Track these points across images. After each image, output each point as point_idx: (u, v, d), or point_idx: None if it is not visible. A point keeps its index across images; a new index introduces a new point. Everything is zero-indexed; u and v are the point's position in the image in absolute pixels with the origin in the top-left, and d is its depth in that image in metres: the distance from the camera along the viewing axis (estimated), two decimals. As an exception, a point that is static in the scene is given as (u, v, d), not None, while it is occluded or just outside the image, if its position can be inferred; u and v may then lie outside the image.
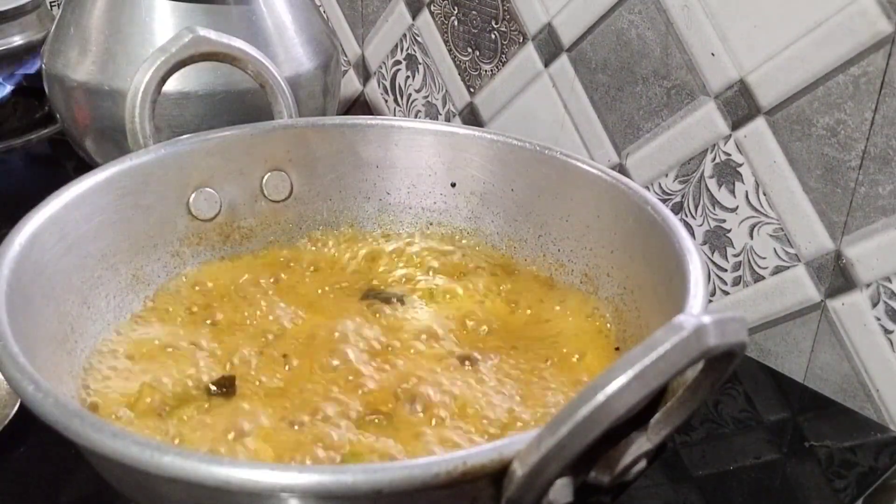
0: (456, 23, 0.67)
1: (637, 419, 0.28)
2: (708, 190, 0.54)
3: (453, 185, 0.49)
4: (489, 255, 0.48)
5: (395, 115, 0.77)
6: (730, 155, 0.52)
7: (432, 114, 0.73)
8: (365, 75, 0.78)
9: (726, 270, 0.54)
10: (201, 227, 0.47)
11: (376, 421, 0.36)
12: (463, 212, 0.50)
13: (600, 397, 0.23)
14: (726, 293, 0.55)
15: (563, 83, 0.61)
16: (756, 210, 0.52)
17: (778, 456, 0.45)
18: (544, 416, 0.36)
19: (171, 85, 0.50)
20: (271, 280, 0.46)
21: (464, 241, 0.49)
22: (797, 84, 0.48)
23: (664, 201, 0.55)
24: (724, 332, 0.24)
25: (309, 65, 0.59)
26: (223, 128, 0.47)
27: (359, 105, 0.80)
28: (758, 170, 0.51)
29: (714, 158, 0.53)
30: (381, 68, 0.76)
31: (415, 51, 0.72)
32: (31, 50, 0.73)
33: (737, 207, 0.53)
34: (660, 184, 0.57)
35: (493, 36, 0.65)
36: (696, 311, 0.32)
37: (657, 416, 0.28)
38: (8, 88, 0.72)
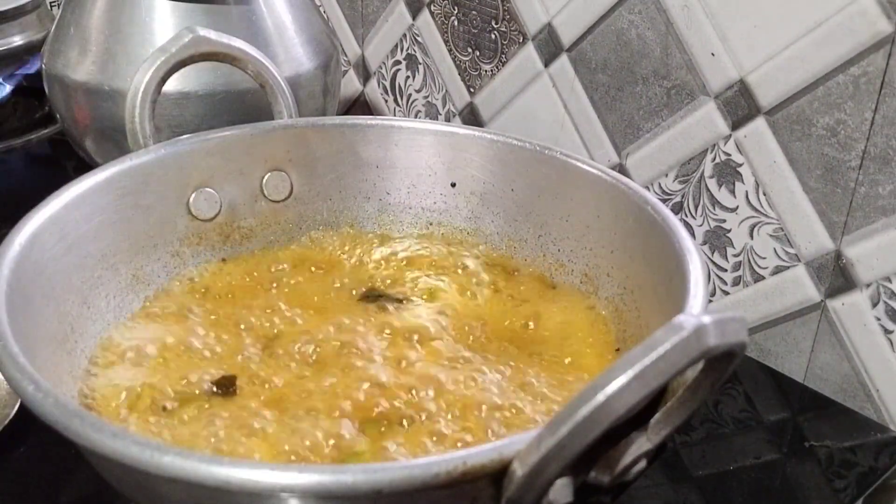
0: (456, 23, 0.67)
1: (637, 419, 0.28)
2: (708, 190, 0.54)
3: (453, 185, 0.49)
4: (489, 256, 0.48)
5: (395, 115, 0.77)
6: (730, 155, 0.52)
7: (432, 114, 0.73)
8: (365, 75, 0.78)
9: (726, 270, 0.54)
10: (201, 227, 0.47)
11: (377, 421, 0.36)
12: (463, 212, 0.50)
13: (600, 397, 0.23)
14: (726, 293, 0.55)
15: (563, 83, 0.61)
16: (756, 210, 0.52)
17: (778, 456, 0.45)
18: (544, 416, 0.36)
19: (171, 85, 0.50)
20: (271, 280, 0.46)
21: (464, 241, 0.49)
22: (797, 84, 0.48)
23: (664, 201, 0.55)
24: (724, 332, 0.24)
25: (309, 65, 0.59)
26: (223, 128, 0.47)
27: (359, 105, 0.80)
28: (758, 170, 0.51)
29: (714, 158, 0.53)
30: (381, 68, 0.76)
31: (415, 51, 0.72)
32: (31, 50, 0.73)
33: (737, 207, 0.53)
34: (660, 184, 0.57)
35: (493, 36, 0.65)
36: (696, 311, 0.33)
37: (657, 416, 0.28)
38: (8, 88, 0.72)
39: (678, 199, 0.56)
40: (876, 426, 0.47)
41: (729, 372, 0.26)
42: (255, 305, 0.43)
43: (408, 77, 0.74)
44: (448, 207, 0.50)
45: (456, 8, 0.67)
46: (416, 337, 0.41)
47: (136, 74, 0.45)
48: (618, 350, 0.41)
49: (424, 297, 0.45)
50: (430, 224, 0.50)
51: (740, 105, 0.51)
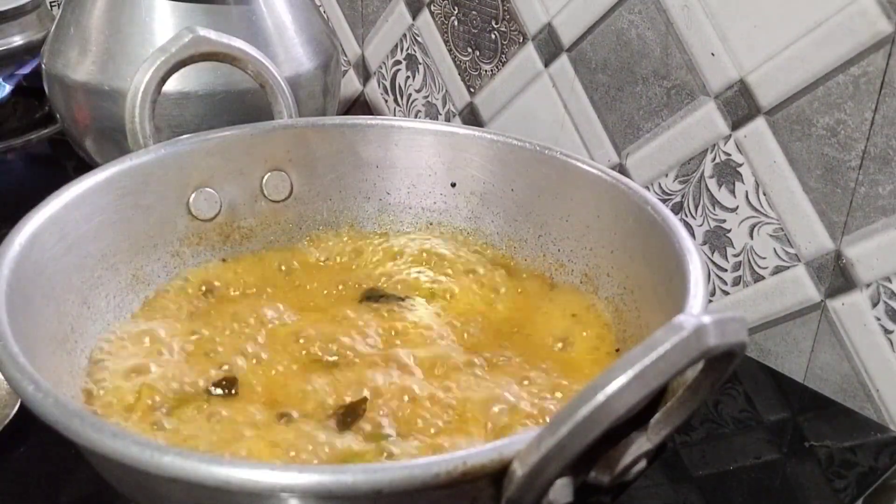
0: (456, 23, 0.67)
1: (637, 419, 0.28)
2: (708, 190, 0.54)
3: (453, 185, 0.49)
4: (489, 256, 0.48)
5: (395, 115, 0.77)
6: (730, 155, 0.52)
7: (432, 114, 0.73)
8: (365, 75, 0.78)
9: (726, 270, 0.54)
10: (201, 227, 0.47)
11: (377, 421, 0.36)
12: (463, 212, 0.50)
13: (600, 397, 0.23)
14: (726, 293, 0.55)
15: (563, 83, 0.61)
16: (756, 210, 0.52)
17: (778, 456, 0.45)
18: (544, 416, 0.36)
19: (171, 85, 0.50)
20: (271, 280, 0.46)
21: (464, 242, 0.49)
22: (797, 84, 0.48)
23: (664, 201, 0.55)
24: (724, 332, 0.24)
25: (309, 65, 0.59)
26: (223, 128, 0.47)
27: (359, 105, 0.80)
28: (758, 170, 0.51)
29: (714, 158, 0.53)
30: (381, 68, 0.76)
31: (415, 51, 0.72)
32: (31, 50, 0.73)
33: (737, 207, 0.53)
34: (660, 184, 0.57)
35: (493, 36, 0.65)
36: (696, 311, 0.33)
37: (657, 416, 0.28)
38: (8, 88, 0.72)
39: (678, 199, 0.56)
40: (876, 426, 0.47)
41: (729, 372, 0.26)
42: (255, 305, 0.43)
43: (408, 77, 0.74)
44: (448, 207, 0.50)
45: (456, 8, 0.67)
46: (416, 336, 0.41)
47: (136, 74, 0.45)
48: (618, 350, 0.41)
49: (424, 297, 0.45)
50: (430, 224, 0.50)
51: (740, 105, 0.51)
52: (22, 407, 0.42)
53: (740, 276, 0.54)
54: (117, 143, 0.55)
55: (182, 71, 0.46)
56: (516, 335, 0.42)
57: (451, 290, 0.45)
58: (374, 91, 0.78)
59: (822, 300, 0.50)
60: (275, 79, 0.48)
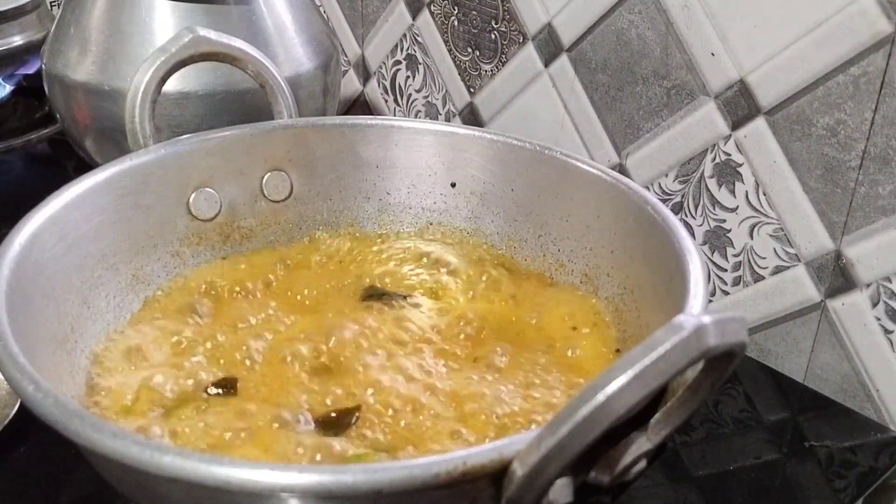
0: (456, 23, 0.67)
1: (637, 419, 0.28)
2: (708, 190, 0.54)
3: (453, 185, 0.49)
4: (489, 255, 0.48)
5: (395, 115, 0.77)
6: (730, 155, 0.52)
7: (432, 114, 0.73)
8: (365, 75, 0.78)
9: (726, 270, 0.54)
10: (201, 227, 0.47)
11: (377, 420, 0.36)
12: (463, 212, 0.50)
13: (600, 397, 0.23)
14: (726, 293, 0.55)
15: (563, 83, 0.61)
16: (756, 210, 0.52)
17: (778, 456, 0.45)
18: (544, 415, 0.36)
19: (171, 85, 0.50)
20: (271, 280, 0.46)
21: (464, 241, 0.49)
22: (797, 84, 0.48)
23: (664, 201, 0.55)
24: (724, 332, 0.24)
25: (309, 65, 0.59)
26: (223, 128, 0.47)
27: (359, 105, 0.80)
28: (758, 170, 0.51)
29: (714, 158, 0.53)
30: (381, 68, 0.76)
31: (415, 51, 0.72)
32: (31, 50, 0.73)
33: (737, 207, 0.53)
34: (660, 184, 0.57)
35: (493, 36, 0.65)
36: (696, 311, 0.32)
37: (657, 416, 0.28)
38: (8, 88, 0.72)
39: (678, 199, 0.56)
40: (876, 426, 0.47)
41: (729, 372, 0.26)
42: (256, 305, 0.43)
43: (408, 77, 0.74)
44: (448, 207, 0.50)
45: (456, 8, 0.67)
46: (416, 336, 0.41)
47: (136, 74, 0.45)
48: (618, 350, 0.41)
49: (424, 297, 0.45)
50: (430, 224, 0.50)
51: (740, 105, 0.51)
52: (22, 407, 0.42)
53: (740, 276, 0.54)
54: (117, 143, 0.55)
55: (182, 71, 0.46)
56: (516, 335, 0.42)
57: (451, 290, 0.45)
58: (374, 91, 0.78)
59: (822, 300, 0.50)
60: (275, 79, 0.48)
